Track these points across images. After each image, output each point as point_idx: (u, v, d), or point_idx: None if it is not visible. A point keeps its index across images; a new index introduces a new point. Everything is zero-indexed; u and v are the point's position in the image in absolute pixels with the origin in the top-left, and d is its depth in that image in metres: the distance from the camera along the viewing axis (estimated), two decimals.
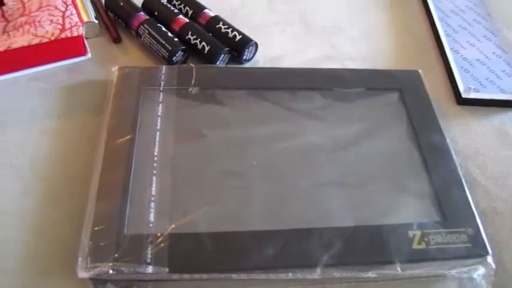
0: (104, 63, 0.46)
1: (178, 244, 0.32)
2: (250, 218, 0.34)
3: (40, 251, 0.33)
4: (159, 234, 0.32)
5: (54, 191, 0.37)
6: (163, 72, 0.43)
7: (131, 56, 0.48)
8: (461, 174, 0.38)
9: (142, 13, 0.48)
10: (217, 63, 0.46)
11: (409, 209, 0.36)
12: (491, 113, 0.46)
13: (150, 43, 0.46)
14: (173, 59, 0.45)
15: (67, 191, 0.37)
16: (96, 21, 0.48)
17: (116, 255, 0.31)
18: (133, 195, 0.34)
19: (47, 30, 0.43)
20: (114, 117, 0.39)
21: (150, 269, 0.31)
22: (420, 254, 0.33)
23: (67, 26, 0.44)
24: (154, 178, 0.36)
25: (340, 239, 0.33)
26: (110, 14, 0.50)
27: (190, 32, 0.47)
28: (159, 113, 0.40)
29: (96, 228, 0.32)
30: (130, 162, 0.36)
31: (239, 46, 0.46)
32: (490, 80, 0.48)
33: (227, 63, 0.47)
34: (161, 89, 0.41)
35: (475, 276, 0.34)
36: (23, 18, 0.44)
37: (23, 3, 0.46)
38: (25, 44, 0.43)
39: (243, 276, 0.32)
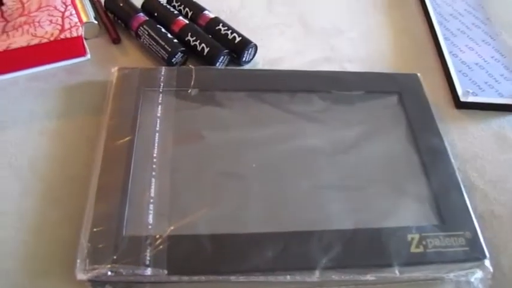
0: (103, 64, 0.46)
1: (177, 246, 0.32)
2: (249, 220, 0.34)
3: (39, 251, 0.33)
4: (158, 236, 0.32)
5: (53, 192, 0.37)
6: (162, 73, 0.43)
7: (131, 57, 0.48)
8: (459, 177, 0.38)
9: (141, 14, 0.48)
10: (217, 64, 0.46)
11: (408, 212, 0.36)
12: (490, 117, 0.46)
13: (149, 44, 0.46)
14: (173, 60, 0.45)
15: (66, 192, 0.37)
16: (96, 22, 0.48)
17: (115, 257, 0.31)
18: (132, 197, 0.34)
19: (46, 30, 0.43)
20: (113, 118, 0.39)
21: (148, 271, 0.31)
22: (418, 257, 0.33)
23: (66, 26, 0.44)
24: (153, 179, 0.36)
25: (339, 242, 0.33)
26: (109, 14, 0.50)
27: (189, 34, 0.47)
28: (159, 114, 0.40)
29: (95, 230, 0.32)
30: (130, 164, 0.36)
31: (239, 48, 0.47)
32: (489, 84, 0.48)
33: (226, 65, 0.47)
34: (160, 90, 0.41)
35: (472, 279, 0.34)
36: (22, 19, 0.44)
37: (22, 4, 0.46)
38: (24, 44, 0.43)
39: (242, 278, 0.32)
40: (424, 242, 0.34)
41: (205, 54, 0.46)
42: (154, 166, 0.36)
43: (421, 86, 0.45)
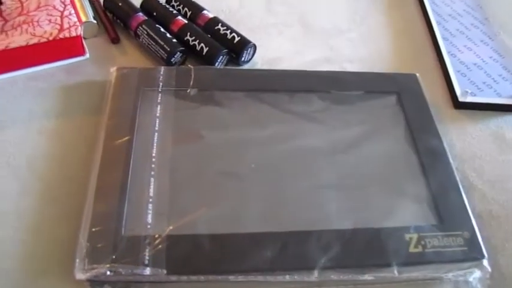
0: (102, 64, 0.46)
1: (176, 246, 0.32)
2: (248, 220, 0.34)
3: (38, 251, 0.33)
4: (156, 236, 0.32)
5: (52, 191, 0.37)
6: (161, 73, 0.43)
7: (129, 56, 0.48)
8: (458, 177, 0.38)
9: (140, 14, 0.48)
10: (216, 64, 0.46)
11: (406, 212, 0.36)
12: (488, 117, 0.46)
13: (148, 44, 0.46)
14: (172, 60, 0.45)
15: (65, 191, 0.37)
16: (95, 22, 0.48)
17: (114, 257, 0.31)
18: (131, 196, 0.34)
19: (45, 30, 0.43)
20: (112, 118, 0.39)
21: (147, 271, 0.31)
22: (417, 257, 0.33)
23: (65, 26, 0.44)
24: (152, 179, 0.36)
25: (338, 242, 0.33)
26: (108, 14, 0.50)
27: (188, 33, 0.47)
28: (158, 114, 0.40)
29: (93, 229, 0.32)
30: (128, 163, 0.36)
31: (238, 48, 0.47)
32: (487, 84, 0.48)
33: (225, 65, 0.47)
34: (159, 90, 0.41)
35: (470, 279, 0.34)
36: (21, 18, 0.44)
37: (21, 3, 0.46)
38: (23, 43, 0.43)
39: (240, 278, 0.32)
40: (422, 242, 0.34)
41: (204, 54, 0.46)
42: (153, 166, 0.36)
43: (420, 86, 0.45)
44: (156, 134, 0.38)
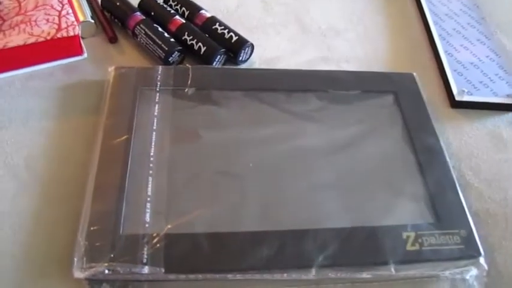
0: (100, 63, 0.46)
1: (174, 244, 0.32)
2: (246, 219, 0.35)
3: (36, 250, 0.33)
4: (155, 235, 0.32)
5: (50, 191, 0.37)
6: (159, 72, 0.43)
7: (127, 56, 0.48)
8: (454, 176, 0.39)
9: (138, 13, 0.48)
10: (214, 64, 0.46)
11: (404, 211, 0.36)
12: (485, 116, 0.46)
13: (146, 43, 0.46)
14: (169, 59, 0.45)
15: (63, 191, 0.37)
16: (93, 21, 0.48)
17: (112, 255, 0.31)
18: (129, 196, 0.34)
19: (43, 29, 0.43)
20: (110, 117, 0.39)
21: (146, 269, 0.31)
22: (414, 255, 0.34)
23: (63, 25, 0.44)
24: (150, 178, 0.36)
25: (335, 240, 0.33)
26: (106, 13, 0.50)
27: (186, 33, 0.47)
28: (155, 114, 0.40)
29: (92, 228, 0.32)
30: (127, 163, 0.36)
31: (235, 47, 0.47)
32: (484, 83, 0.48)
33: (223, 64, 0.47)
34: (157, 89, 0.41)
35: (467, 277, 0.34)
36: (19, 17, 0.44)
37: (19, 2, 0.46)
38: (21, 43, 0.43)
39: (238, 276, 0.32)
40: (419, 240, 0.34)
41: (202, 53, 0.46)
42: (151, 165, 0.36)
43: (417, 85, 0.45)
44: (154, 133, 0.38)
